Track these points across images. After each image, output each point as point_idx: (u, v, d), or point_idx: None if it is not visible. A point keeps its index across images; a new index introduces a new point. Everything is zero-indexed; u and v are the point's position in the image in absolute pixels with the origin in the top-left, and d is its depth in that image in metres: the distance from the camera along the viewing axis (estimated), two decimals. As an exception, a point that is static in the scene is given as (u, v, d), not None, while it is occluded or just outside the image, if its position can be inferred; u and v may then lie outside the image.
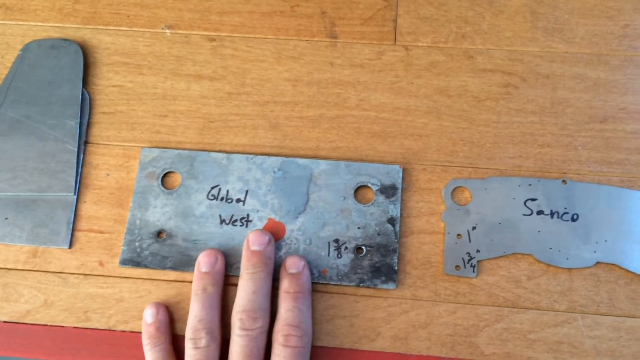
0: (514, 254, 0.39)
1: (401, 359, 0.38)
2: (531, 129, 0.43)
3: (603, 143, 0.42)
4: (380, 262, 0.39)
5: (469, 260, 0.39)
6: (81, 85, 0.45)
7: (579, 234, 0.39)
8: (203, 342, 0.36)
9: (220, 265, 0.39)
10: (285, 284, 0.38)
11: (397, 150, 0.42)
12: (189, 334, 0.37)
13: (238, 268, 0.39)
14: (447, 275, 0.39)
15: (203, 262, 0.39)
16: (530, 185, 0.41)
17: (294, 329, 0.36)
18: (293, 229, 0.40)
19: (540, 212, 0.40)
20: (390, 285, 0.39)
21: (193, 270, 0.39)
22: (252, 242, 0.38)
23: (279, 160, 0.42)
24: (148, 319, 0.38)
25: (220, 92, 0.45)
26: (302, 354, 0.36)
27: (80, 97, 0.44)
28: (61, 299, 0.40)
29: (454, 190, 0.41)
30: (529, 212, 0.40)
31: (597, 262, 0.39)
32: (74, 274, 0.40)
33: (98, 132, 0.44)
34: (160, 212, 0.41)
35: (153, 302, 0.39)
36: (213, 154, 0.42)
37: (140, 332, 0.39)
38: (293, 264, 0.38)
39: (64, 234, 0.41)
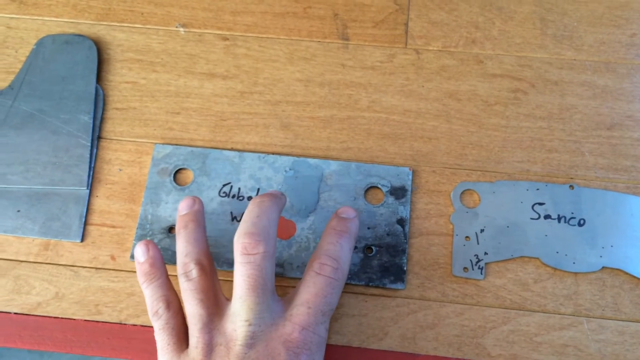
0: (521, 257, 0.40)
1: (408, 359, 0.38)
2: (539, 134, 0.43)
3: (610, 150, 0.43)
4: (389, 262, 0.40)
5: (477, 263, 0.40)
6: (95, 80, 0.45)
7: (586, 238, 0.40)
8: (194, 274, 0.35)
9: (198, 205, 0.38)
10: (333, 223, 0.37)
11: (407, 152, 0.43)
12: (179, 271, 0.35)
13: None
14: (455, 276, 0.40)
15: (181, 206, 0.38)
16: (538, 189, 0.41)
17: (331, 260, 0.35)
18: (304, 228, 0.41)
19: (547, 217, 0.41)
20: (399, 286, 0.39)
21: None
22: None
23: (290, 159, 0.43)
24: (140, 258, 0.37)
25: (232, 91, 0.45)
26: (333, 285, 0.34)
27: (94, 92, 0.45)
28: (72, 292, 0.40)
29: (462, 192, 0.42)
30: (537, 216, 0.41)
31: (603, 267, 0.40)
32: (85, 267, 0.41)
33: (111, 128, 0.44)
34: (172, 207, 0.42)
35: (141, 241, 0.37)
36: (225, 152, 0.43)
37: (151, 327, 0.39)
38: (345, 211, 0.38)
39: (76, 228, 0.41)
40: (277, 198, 0.37)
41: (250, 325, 0.33)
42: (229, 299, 0.35)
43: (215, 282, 0.36)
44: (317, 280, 0.34)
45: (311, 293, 0.34)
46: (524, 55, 0.46)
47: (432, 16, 0.47)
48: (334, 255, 0.35)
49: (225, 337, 0.33)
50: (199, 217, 0.38)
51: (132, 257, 0.40)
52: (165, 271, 0.37)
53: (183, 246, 0.36)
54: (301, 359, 0.33)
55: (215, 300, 0.35)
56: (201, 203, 0.38)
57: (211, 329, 0.34)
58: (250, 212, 0.35)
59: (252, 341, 0.33)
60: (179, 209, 0.38)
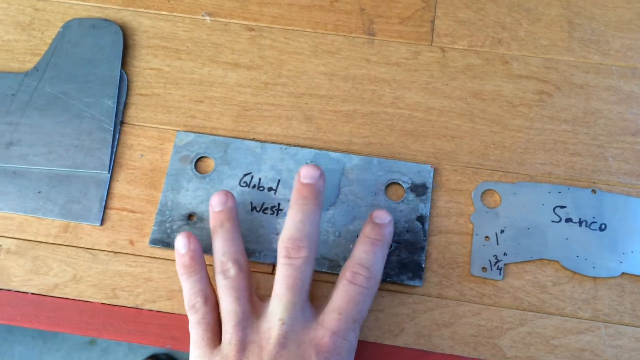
0: (540, 259, 0.40)
1: (424, 356, 0.38)
2: (563, 137, 0.43)
3: (634, 155, 0.42)
4: (407, 259, 0.40)
5: (496, 263, 0.40)
6: (120, 66, 0.45)
7: (606, 243, 0.40)
8: (232, 272, 0.36)
9: (232, 202, 0.39)
10: (367, 230, 0.37)
11: (429, 150, 0.43)
12: (217, 269, 0.36)
13: (266, 255, 0.40)
14: (473, 276, 0.40)
15: (215, 202, 0.39)
16: (560, 192, 0.41)
17: (364, 269, 0.35)
18: (323, 221, 0.41)
19: (568, 220, 0.40)
20: (417, 282, 0.39)
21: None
22: (303, 175, 0.37)
23: (312, 152, 0.43)
24: (181, 250, 0.37)
25: (256, 82, 0.45)
26: (365, 294, 0.35)
27: (118, 77, 0.45)
28: (90, 275, 0.40)
29: (484, 192, 0.42)
30: (558, 219, 0.40)
31: (623, 273, 0.39)
32: (104, 250, 0.41)
33: (134, 113, 0.44)
34: (192, 195, 0.42)
35: (182, 232, 0.38)
36: (247, 142, 0.43)
37: (168, 312, 0.39)
38: (379, 216, 0.37)
39: (96, 211, 0.41)
40: (319, 197, 0.37)
41: (283, 324, 0.34)
42: (262, 300, 0.37)
43: (251, 282, 0.37)
44: (349, 288, 0.35)
45: (343, 300, 0.35)
46: (550, 57, 0.45)
47: (459, 15, 0.47)
48: (367, 264, 0.36)
49: (259, 336, 0.34)
50: (234, 214, 0.38)
51: (152, 242, 0.40)
52: (205, 265, 0.38)
53: (220, 245, 0.37)
54: None
55: (251, 300, 0.36)
56: (234, 199, 0.39)
57: (245, 326, 0.35)
58: (294, 215, 0.36)
59: (285, 340, 0.33)
60: (212, 204, 0.39)
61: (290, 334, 0.34)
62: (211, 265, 0.39)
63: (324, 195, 0.38)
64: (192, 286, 0.37)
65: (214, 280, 0.37)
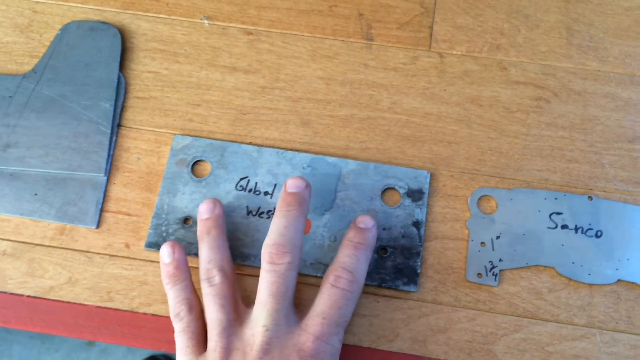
0: (536, 265, 0.40)
1: (418, 361, 0.38)
2: (560, 143, 0.43)
3: (631, 163, 0.42)
4: (403, 264, 0.40)
5: (491, 269, 0.40)
6: (118, 68, 0.45)
7: (602, 250, 0.40)
8: (217, 279, 0.36)
9: (219, 209, 0.39)
10: (350, 234, 0.38)
11: (425, 155, 0.43)
12: (202, 276, 0.37)
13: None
14: (468, 281, 0.40)
15: (202, 209, 0.39)
16: (556, 199, 0.41)
17: (347, 273, 0.36)
18: (319, 225, 0.41)
19: (564, 227, 0.40)
20: (412, 288, 0.39)
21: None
22: (289, 185, 0.38)
23: (308, 156, 0.43)
24: (166, 259, 0.38)
25: (254, 86, 0.45)
26: (348, 297, 0.35)
27: (116, 80, 0.45)
28: (85, 278, 0.40)
29: (480, 198, 0.42)
30: (554, 225, 0.40)
31: (618, 280, 0.39)
32: (99, 253, 0.41)
33: (131, 116, 0.44)
34: (188, 198, 0.42)
35: (167, 242, 0.39)
36: (244, 146, 0.43)
37: (163, 316, 0.39)
38: (363, 221, 0.38)
39: (92, 214, 0.41)
40: (303, 205, 0.37)
41: (267, 331, 0.34)
42: (247, 306, 0.37)
43: (236, 289, 0.37)
44: (332, 292, 0.35)
45: (326, 305, 0.35)
46: (549, 64, 0.45)
47: (457, 20, 0.47)
48: (350, 267, 0.36)
49: (243, 342, 0.34)
50: (221, 222, 0.39)
51: (147, 246, 0.40)
52: (190, 274, 0.38)
53: (206, 252, 0.38)
54: None
55: (235, 307, 0.36)
56: (222, 206, 0.40)
57: (230, 333, 0.35)
58: (278, 222, 0.36)
59: (268, 347, 0.34)
60: (200, 212, 0.39)
61: (273, 340, 0.34)
62: (197, 268, 0.39)
63: (308, 204, 0.38)
64: (176, 295, 0.37)
65: (199, 287, 0.37)
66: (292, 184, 0.38)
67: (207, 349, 0.35)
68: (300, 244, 0.36)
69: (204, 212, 0.39)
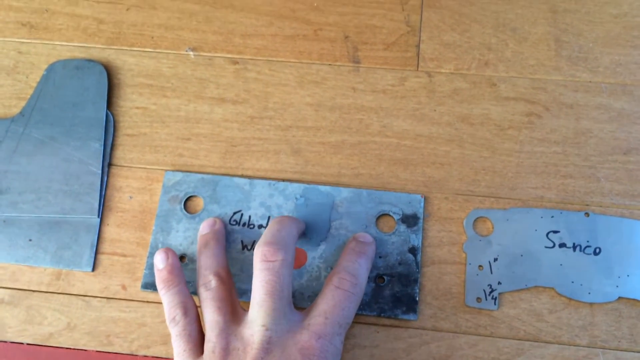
0: (535, 286, 0.39)
1: (421, 391, 0.38)
2: (554, 159, 0.43)
3: (626, 175, 0.42)
4: (401, 292, 0.39)
5: (490, 292, 0.39)
6: (105, 106, 0.45)
7: (601, 268, 0.39)
8: (213, 284, 0.37)
9: (219, 225, 0.40)
10: (352, 244, 0.39)
11: (418, 179, 0.43)
12: (199, 282, 0.37)
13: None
14: (468, 306, 0.39)
15: (202, 226, 0.41)
16: (552, 217, 0.41)
17: (350, 276, 0.36)
18: (315, 257, 0.41)
19: (562, 245, 0.40)
20: (411, 316, 0.39)
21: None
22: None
23: (301, 186, 0.42)
24: (159, 265, 0.38)
25: (242, 116, 0.45)
26: (351, 299, 0.35)
27: (104, 118, 0.45)
28: (84, 322, 0.40)
29: (475, 220, 0.41)
30: (551, 244, 0.40)
31: (619, 297, 0.39)
32: (97, 297, 0.41)
33: (122, 154, 0.44)
34: (182, 236, 0.41)
35: (162, 248, 0.39)
36: (236, 179, 0.43)
37: (163, 357, 0.39)
38: (363, 236, 0.39)
39: (87, 257, 0.41)
40: (297, 220, 0.39)
41: (267, 330, 0.33)
42: (246, 310, 0.36)
43: (233, 294, 0.37)
44: (336, 293, 0.35)
45: (329, 305, 0.35)
46: (538, 77, 0.45)
47: (444, 38, 0.46)
48: (353, 271, 0.36)
49: (243, 342, 0.34)
50: (220, 235, 0.40)
51: (143, 286, 0.40)
52: (184, 279, 0.38)
53: (203, 261, 0.38)
54: None
55: (233, 309, 0.36)
56: (222, 223, 0.41)
57: (228, 334, 0.34)
58: (270, 227, 0.37)
59: (269, 346, 0.33)
60: (200, 229, 0.40)
61: (274, 339, 0.33)
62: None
63: (302, 226, 0.39)
64: (171, 299, 0.37)
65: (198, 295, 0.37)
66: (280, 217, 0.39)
67: (205, 350, 0.35)
68: (292, 247, 0.36)
69: (203, 229, 0.40)
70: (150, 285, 0.40)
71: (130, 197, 0.43)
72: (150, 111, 0.45)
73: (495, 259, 0.40)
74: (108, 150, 0.44)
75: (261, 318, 0.34)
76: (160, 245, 0.41)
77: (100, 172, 0.43)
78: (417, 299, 0.39)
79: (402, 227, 0.41)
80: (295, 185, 0.42)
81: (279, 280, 0.34)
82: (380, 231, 0.41)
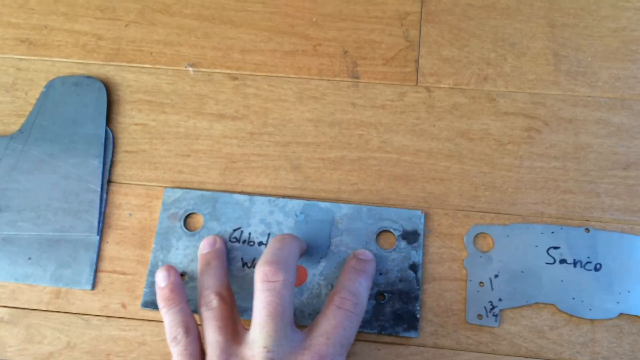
0: (536, 303, 0.39)
1: (422, 409, 0.38)
2: (554, 174, 0.43)
3: (626, 190, 0.42)
4: (402, 310, 0.39)
5: (492, 309, 0.39)
6: (105, 123, 0.45)
7: (602, 284, 0.39)
8: (214, 303, 0.36)
9: (219, 244, 0.40)
10: (352, 262, 0.39)
11: (419, 194, 0.42)
12: (200, 302, 0.37)
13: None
14: (469, 323, 0.39)
15: (203, 245, 0.40)
16: (553, 232, 0.41)
17: (351, 295, 0.36)
18: (315, 274, 0.40)
19: (563, 261, 0.40)
20: (412, 334, 0.39)
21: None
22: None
23: (301, 203, 0.42)
24: (161, 283, 0.38)
25: (242, 132, 0.45)
26: (352, 319, 0.35)
27: (103, 135, 0.44)
28: (84, 341, 0.40)
29: (476, 236, 0.41)
30: (552, 260, 0.40)
31: (620, 314, 0.39)
32: (96, 315, 0.41)
33: (121, 171, 0.44)
34: (182, 254, 0.41)
35: (163, 265, 0.39)
36: (235, 196, 0.43)
37: (163, 377, 0.39)
38: (363, 253, 0.39)
39: (87, 275, 0.41)
40: (298, 239, 0.38)
41: (268, 352, 0.33)
42: (247, 329, 0.36)
43: (235, 313, 0.37)
44: (337, 313, 0.35)
45: (331, 325, 0.35)
46: (537, 92, 0.45)
47: (443, 53, 0.46)
48: (354, 291, 0.36)
49: None
50: (221, 254, 0.40)
51: (143, 305, 0.40)
52: (186, 297, 0.38)
53: (205, 281, 0.38)
54: None
55: (234, 329, 0.36)
56: (222, 242, 0.40)
57: (229, 354, 0.34)
58: (271, 245, 0.37)
59: None
60: (201, 248, 0.40)
61: None
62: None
63: (304, 245, 0.39)
64: (172, 318, 0.37)
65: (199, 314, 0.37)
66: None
67: None
68: (294, 267, 0.36)
69: (203, 248, 0.40)
70: (150, 304, 0.40)
71: (130, 215, 0.43)
72: (149, 127, 0.45)
73: (496, 275, 0.40)
74: (107, 167, 0.44)
75: (263, 339, 0.34)
76: (160, 263, 0.41)
77: (99, 189, 0.43)
78: (418, 316, 0.39)
79: (403, 244, 0.41)
80: (295, 201, 0.42)
81: (280, 302, 0.34)
82: (381, 248, 0.41)
